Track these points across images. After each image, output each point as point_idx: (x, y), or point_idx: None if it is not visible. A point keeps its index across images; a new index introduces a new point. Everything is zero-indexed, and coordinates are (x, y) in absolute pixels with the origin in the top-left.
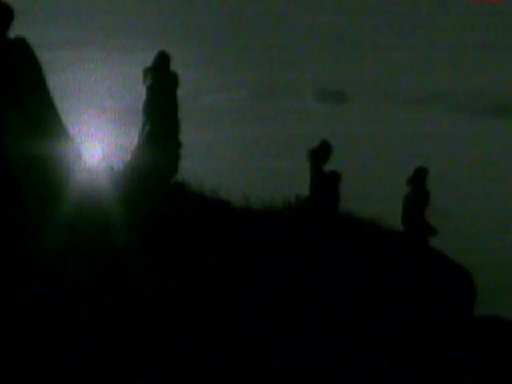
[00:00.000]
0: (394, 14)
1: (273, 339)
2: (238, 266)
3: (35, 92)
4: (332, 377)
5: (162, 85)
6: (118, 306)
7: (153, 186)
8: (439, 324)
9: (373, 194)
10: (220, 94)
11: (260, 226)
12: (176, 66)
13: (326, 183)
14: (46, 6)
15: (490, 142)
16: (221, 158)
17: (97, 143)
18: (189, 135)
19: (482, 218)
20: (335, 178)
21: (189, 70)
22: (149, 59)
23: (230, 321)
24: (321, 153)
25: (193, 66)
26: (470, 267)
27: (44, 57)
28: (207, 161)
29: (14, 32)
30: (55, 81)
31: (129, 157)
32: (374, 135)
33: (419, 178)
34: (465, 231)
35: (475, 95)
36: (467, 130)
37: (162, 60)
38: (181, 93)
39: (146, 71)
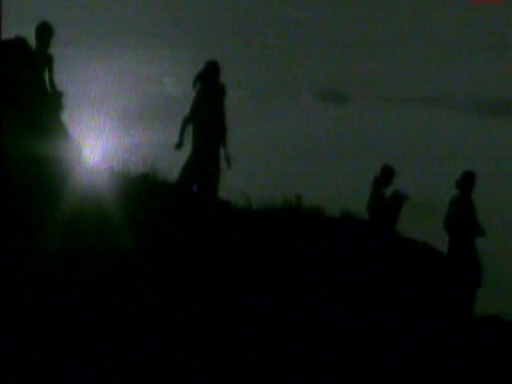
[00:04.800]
0: (394, 13)
1: (273, 339)
2: (238, 266)
3: (35, 92)
4: (332, 376)
5: (207, 94)
6: (118, 307)
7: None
8: (439, 324)
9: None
10: None
11: (260, 226)
12: (176, 66)
13: (387, 207)
14: (46, 4)
15: (491, 142)
16: (220, 158)
17: (97, 143)
18: (189, 135)
19: (482, 218)
20: (398, 199)
21: (188, 70)
22: (149, 59)
23: (230, 321)
24: (384, 178)
25: (192, 66)
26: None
27: None
28: None
29: (14, 31)
30: (55, 80)
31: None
32: (374, 135)
33: (467, 182)
34: None
35: (475, 95)
36: (468, 130)
37: (211, 69)
38: (180, 93)
39: (196, 78)
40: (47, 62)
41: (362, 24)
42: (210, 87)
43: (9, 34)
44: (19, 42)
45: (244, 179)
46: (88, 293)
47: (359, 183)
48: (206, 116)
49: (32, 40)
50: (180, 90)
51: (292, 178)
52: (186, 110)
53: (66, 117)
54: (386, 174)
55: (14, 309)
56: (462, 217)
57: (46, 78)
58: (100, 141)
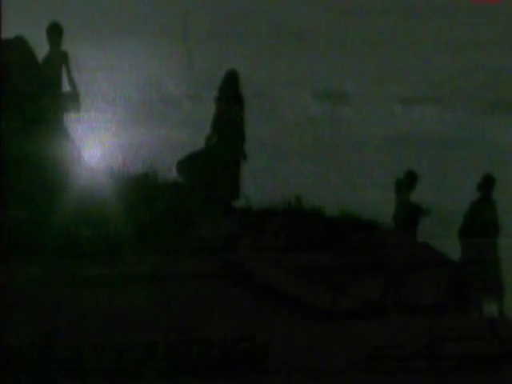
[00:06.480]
0: (394, 13)
1: (274, 339)
2: (238, 266)
3: (35, 92)
4: (333, 377)
5: (229, 107)
6: (118, 306)
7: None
8: (439, 324)
9: (370, 195)
10: None
11: (260, 225)
12: (176, 66)
13: (411, 216)
14: (46, 5)
15: (491, 142)
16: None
17: (97, 143)
18: (189, 135)
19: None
20: (419, 212)
21: (188, 70)
22: (149, 59)
23: (230, 321)
24: (406, 183)
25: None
26: None
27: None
28: None
29: (14, 31)
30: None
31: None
32: (374, 135)
33: (487, 186)
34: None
35: (474, 95)
36: (467, 130)
37: (230, 79)
38: (180, 93)
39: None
40: (62, 60)
41: (363, 24)
42: (228, 98)
43: (9, 34)
44: (19, 43)
45: (244, 179)
46: (88, 291)
47: (359, 183)
48: (224, 129)
49: (32, 40)
50: (180, 90)
51: (292, 178)
52: (186, 110)
53: (66, 117)
54: (410, 180)
55: (13, 308)
56: (478, 223)
57: (64, 77)
58: (100, 141)
